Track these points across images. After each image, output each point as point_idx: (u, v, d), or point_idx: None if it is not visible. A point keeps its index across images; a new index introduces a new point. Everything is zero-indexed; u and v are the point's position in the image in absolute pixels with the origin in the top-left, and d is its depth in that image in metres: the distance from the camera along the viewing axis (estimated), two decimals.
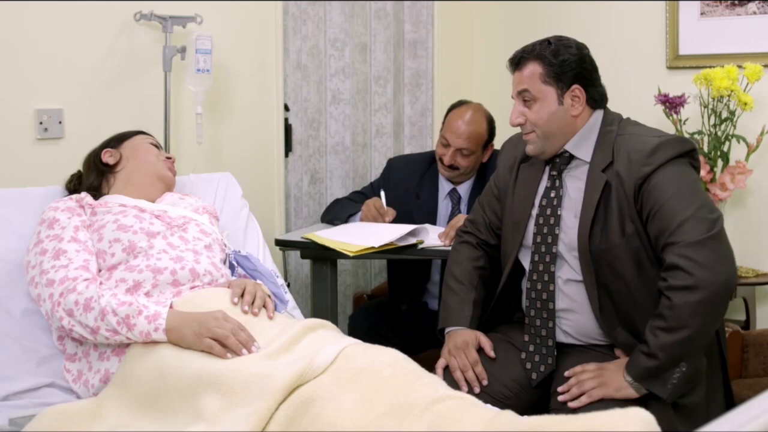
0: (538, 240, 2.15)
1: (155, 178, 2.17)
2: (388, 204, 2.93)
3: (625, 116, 2.21)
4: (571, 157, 2.13)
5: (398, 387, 1.55)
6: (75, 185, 2.20)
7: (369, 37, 3.61)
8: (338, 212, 3.01)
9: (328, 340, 1.72)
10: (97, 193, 2.14)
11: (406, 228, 2.59)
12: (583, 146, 2.12)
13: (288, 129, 3.36)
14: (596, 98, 2.12)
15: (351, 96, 3.56)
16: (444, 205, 3.02)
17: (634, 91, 3.31)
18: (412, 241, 2.60)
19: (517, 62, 2.13)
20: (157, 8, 2.75)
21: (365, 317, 3.07)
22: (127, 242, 1.92)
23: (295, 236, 2.76)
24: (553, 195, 2.15)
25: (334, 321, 2.89)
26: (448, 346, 2.20)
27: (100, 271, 1.91)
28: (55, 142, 2.61)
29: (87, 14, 2.66)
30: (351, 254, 2.50)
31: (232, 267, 2.10)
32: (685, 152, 2.02)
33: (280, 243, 2.74)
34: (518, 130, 2.20)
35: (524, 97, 2.11)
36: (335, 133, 3.55)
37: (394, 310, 3.05)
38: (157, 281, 1.88)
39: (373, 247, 2.50)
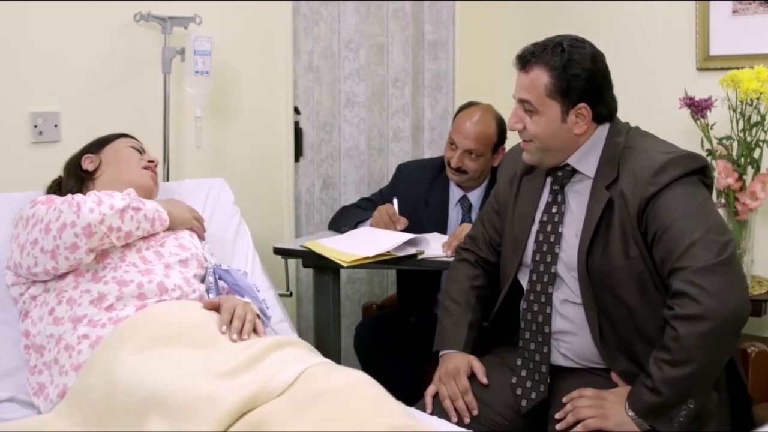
0: (537, 258, 2.02)
1: (134, 185, 2.09)
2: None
3: (652, 121, 2.06)
4: (574, 171, 1.99)
5: (359, 411, 1.44)
6: (55, 191, 2.13)
7: (386, 38, 3.50)
8: (347, 220, 2.91)
9: (293, 360, 1.61)
10: None
11: (405, 237, 2.47)
12: (586, 160, 1.97)
13: (298, 133, 3.27)
14: (604, 114, 1.96)
15: (366, 99, 3.45)
16: (455, 213, 2.90)
17: (661, 93, 3.13)
18: (412, 251, 2.47)
19: (524, 63, 1.96)
20: (160, 9, 2.68)
21: (371, 328, 2.96)
22: (99, 251, 1.85)
23: (294, 244, 2.65)
24: (554, 211, 2.01)
25: (337, 332, 2.80)
26: (439, 371, 2.08)
27: (67, 274, 1.84)
28: (51, 146, 2.56)
29: (85, 15, 2.61)
30: (345, 264, 2.39)
31: (217, 281, 2.00)
32: (695, 170, 1.87)
33: (279, 251, 2.64)
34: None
35: (525, 106, 1.96)
36: (349, 137, 3.44)
37: (403, 321, 2.94)
38: (122, 294, 1.80)
39: (367, 257, 2.38)
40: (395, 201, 2.82)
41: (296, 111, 3.25)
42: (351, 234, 2.69)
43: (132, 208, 1.90)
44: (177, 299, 1.84)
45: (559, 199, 2.01)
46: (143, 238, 1.94)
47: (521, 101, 1.96)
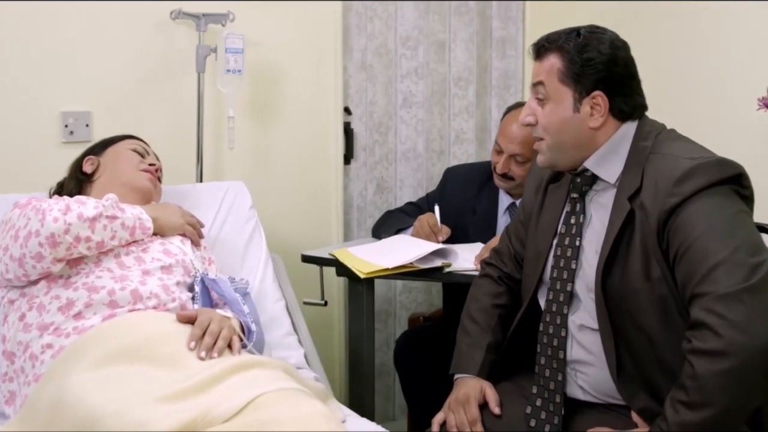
0: (554, 275, 1.80)
1: (130, 188, 2.00)
2: (442, 219, 2.63)
3: (735, 125, 1.80)
4: (595, 178, 1.77)
5: None
6: (57, 193, 2.07)
7: (448, 34, 3.32)
8: (389, 227, 2.75)
9: (254, 383, 1.47)
10: None
11: (429, 248, 2.29)
12: (607, 165, 1.74)
13: (349, 134, 3.14)
14: (624, 110, 1.73)
15: (425, 99, 3.29)
16: (503, 221, 2.69)
17: (743, 94, 2.82)
18: (438, 263, 2.29)
19: (537, 52, 1.78)
20: (198, 6, 2.61)
21: (412, 341, 2.79)
22: (69, 259, 1.77)
23: (324, 252, 2.52)
24: (572, 222, 1.79)
25: (371, 344, 2.64)
26: (450, 398, 1.90)
27: (40, 279, 1.77)
28: (82, 146, 2.48)
29: (119, 13, 2.57)
30: (362, 275, 2.24)
31: (206, 290, 1.89)
32: (725, 179, 1.60)
33: (306, 259, 2.51)
34: None
35: (538, 92, 1.76)
36: (406, 139, 3.29)
37: (445, 336, 2.75)
38: (91, 300, 1.70)
39: (386, 269, 2.22)
40: (436, 209, 2.65)
41: (347, 111, 3.13)
42: (384, 242, 2.54)
43: (106, 217, 1.79)
44: (153, 308, 1.73)
45: (578, 209, 1.79)
46: (127, 244, 1.85)
47: (534, 86, 1.77)
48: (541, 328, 1.83)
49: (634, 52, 1.82)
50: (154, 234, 1.91)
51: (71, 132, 2.52)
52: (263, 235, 2.29)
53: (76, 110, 2.53)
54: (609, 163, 1.74)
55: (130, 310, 1.71)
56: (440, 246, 2.32)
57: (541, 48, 1.76)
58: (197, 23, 2.60)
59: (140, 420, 1.34)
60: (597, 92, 1.70)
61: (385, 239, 2.58)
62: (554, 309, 1.80)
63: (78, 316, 1.68)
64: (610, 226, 1.70)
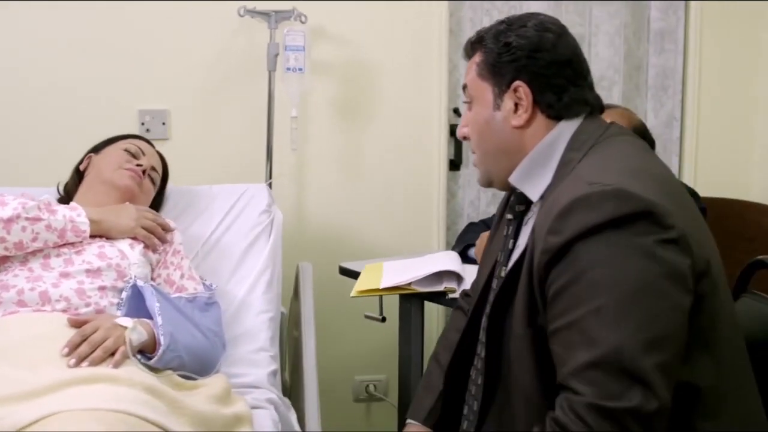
0: (488, 310, 1.49)
1: (110, 186, 1.98)
2: None
3: None
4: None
5: None
6: (61, 189, 2.13)
7: (587, 27, 2.93)
8: (460, 241, 2.48)
9: (79, 399, 1.38)
10: (70, 199, 2.03)
11: (430, 269, 2.01)
12: (533, 180, 1.40)
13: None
14: (552, 103, 1.38)
15: None
16: None
17: None
18: (440, 288, 2.00)
19: (465, 51, 1.51)
20: (270, 4, 2.56)
21: None
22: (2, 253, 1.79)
23: (360, 266, 2.32)
24: (502, 248, 1.49)
25: (419, 368, 2.40)
26: None
27: None
28: (159, 144, 2.56)
29: (197, 11, 2.61)
30: (353, 293, 2.03)
31: (141, 297, 1.80)
32: (625, 217, 1.17)
33: (343, 271, 2.34)
34: None
35: (466, 97, 1.49)
36: None
37: None
38: (1, 298, 1.71)
39: (377, 289, 1.99)
40: None
41: (456, 113, 2.88)
42: (417, 259, 2.28)
43: (26, 219, 1.75)
44: (62, 311, 1.70)
45: (509, 232, 1.48)
46: (61, 245, 1.83)
47: (463, 90, 1.50)
48: (471, 374, 1.53)
49: None
50: (100, 236, 1.88)
51: (147, 130, 2.59)
52: (270, 242, 2.15)
53: (153, 108, 2.61)
54: (534, 177, 1.40)
55: (34, 311, 1.69)
56: (444, 268, 2.02)
57: (468, 45, 1.50)
58: (268, 21, 2.54)
59: None
60: (517, 82, 1.38)
61: (428, 255, 2.33)
62: (479, 351, 1.50)
63: None
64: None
